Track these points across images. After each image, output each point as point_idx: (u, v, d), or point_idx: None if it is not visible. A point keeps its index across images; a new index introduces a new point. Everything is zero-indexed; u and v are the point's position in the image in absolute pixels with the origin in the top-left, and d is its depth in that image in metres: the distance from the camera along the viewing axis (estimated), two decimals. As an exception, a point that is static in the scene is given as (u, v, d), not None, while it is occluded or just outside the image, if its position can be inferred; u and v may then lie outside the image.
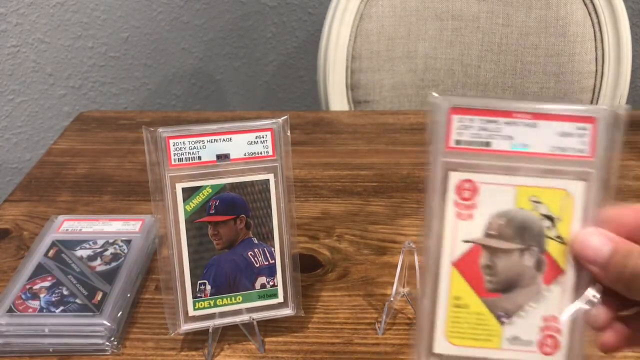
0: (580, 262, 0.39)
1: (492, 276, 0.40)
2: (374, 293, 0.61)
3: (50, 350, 0.54)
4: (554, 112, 0.40)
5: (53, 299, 0.56)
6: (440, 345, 0.41)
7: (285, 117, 0.53)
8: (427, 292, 0.41)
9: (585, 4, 1.04)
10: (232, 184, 0.52)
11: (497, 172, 0.40)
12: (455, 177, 0.40)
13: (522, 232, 0.40)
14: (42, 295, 0.57)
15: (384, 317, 0.56)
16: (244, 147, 0.52)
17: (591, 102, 1.09)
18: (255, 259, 0.53)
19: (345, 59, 1.09)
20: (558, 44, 1.06)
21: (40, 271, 0.59)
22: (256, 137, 0.52)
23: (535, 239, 0.40)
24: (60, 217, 0.68)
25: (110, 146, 0.89)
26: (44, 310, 0.55)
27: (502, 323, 0.41)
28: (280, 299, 0.54)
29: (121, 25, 1.50)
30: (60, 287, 0.58)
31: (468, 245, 0.40)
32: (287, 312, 0.54)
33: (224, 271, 0.53)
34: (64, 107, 1.54)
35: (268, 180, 0.53)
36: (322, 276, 0.63)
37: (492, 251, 0.40)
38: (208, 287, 0.53)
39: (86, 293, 0.57)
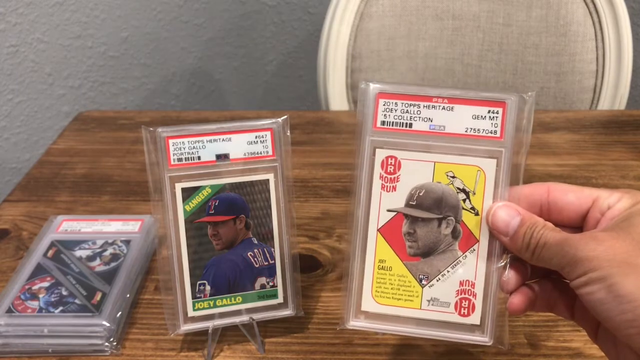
0: (492, 233, 0.43)
1: (412, 242, 0.45)
2: (374, 293, 0.60)
3: (50, 350, 0.54)
4: (467, 97, 0.44)
5: (52, 300, 0.56)
6: (368, 304, 0.45)
7: (285, 117, 0.53)
8: (357, 256, 0.45)
9: (586, 4, 1.04)
10: (231, 184, 0.52)
11: (417, 149, 0.45)
12: (381, 154, 0.45)
13: (439, 203, 0.44)
14: (41, 296, 0.56)
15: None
16: (243, 147, 0.52)
17: (592, 102, 1.09)
18: (255, 259, 0.53)
19: (346, 59, 1.09)
20: (559, 43, 1.06)
21: (39, 271, 0.59)
22: (256, 137, 0.52)
23: (452, 210, 0.44)
24: (60, 217, 0.68)
25: (110, 146, 0.89)
26: (43, 311, 0.55)
27: (422, 285, 0.45)
28: (280, 299, 0.54)
29: (120, 25, 1.49)
30: (59, 287, 0.57)
31: (392, 214, 0.45)
32: (287, 312, 0.54)
33: (223, 271, 0.53)
34: (63, 107, 1.54)
35: (268, 180, 0.53)
36: (322, 276, 0.63)
37: (413, 220, 0.44)
38: (207, 288, 0.52)
39: (85, 293, 0.57)
